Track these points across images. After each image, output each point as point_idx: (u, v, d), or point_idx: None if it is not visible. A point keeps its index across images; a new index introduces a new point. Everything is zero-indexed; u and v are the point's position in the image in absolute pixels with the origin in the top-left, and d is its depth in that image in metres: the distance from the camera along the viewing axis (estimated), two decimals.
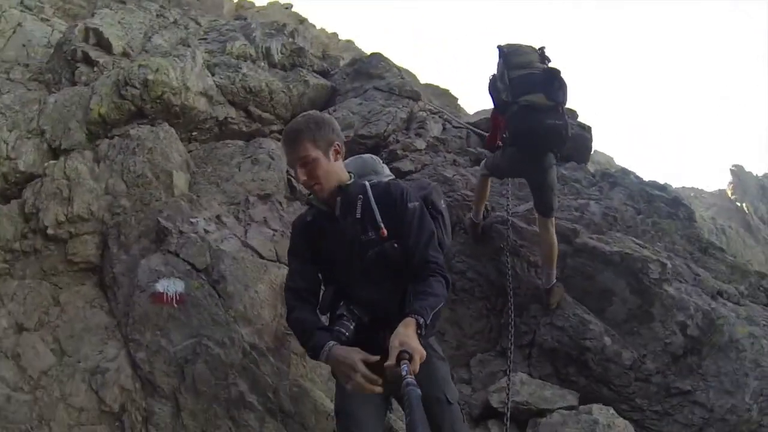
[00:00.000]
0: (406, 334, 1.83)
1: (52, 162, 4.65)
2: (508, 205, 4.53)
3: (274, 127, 6.15)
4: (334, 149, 2.26)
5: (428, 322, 1.93)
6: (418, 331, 1.88)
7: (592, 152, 6.62)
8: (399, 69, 7.27)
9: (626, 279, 4.06)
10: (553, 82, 3.83)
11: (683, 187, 26.96)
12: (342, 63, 8.11)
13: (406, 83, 6.72)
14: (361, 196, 2.27)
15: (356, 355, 1.94)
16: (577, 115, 6.17)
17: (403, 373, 1.68)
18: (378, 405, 2.27)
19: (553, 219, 4.10)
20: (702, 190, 29.79)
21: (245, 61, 6.52)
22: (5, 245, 4.19)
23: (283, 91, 6.25)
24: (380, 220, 2.20)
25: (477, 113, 7.24)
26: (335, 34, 14.20)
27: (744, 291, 4.54)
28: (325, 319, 2.32)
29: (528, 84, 3.87)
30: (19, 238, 4.26)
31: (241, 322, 3.41)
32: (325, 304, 2.35)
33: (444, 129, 6.23)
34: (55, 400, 3.36)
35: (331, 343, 2.02)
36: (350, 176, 2.35)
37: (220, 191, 4.55)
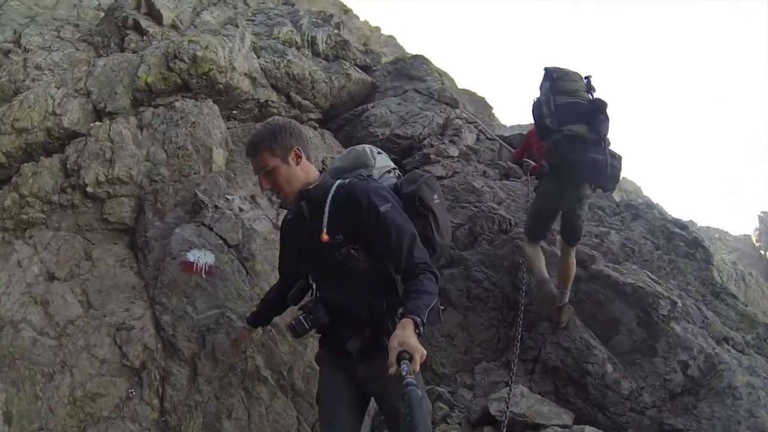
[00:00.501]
0: (405, 334, 1.89)
1: (97, 123, 4.90)
2: None
3: (312, 116, 6.44)
4: (294, 154, 2.33)
5: (425, 320, 2.00)
6: (416, 331, 1.94)
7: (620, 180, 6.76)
8: (440, 73, 7.50)
9: (635, 311, 4.23)
10: (598, 115, 3.92)
11: (708, 227, 26.76)
12: (383, 60, 8.36)
13: (446, 89, 6.96)
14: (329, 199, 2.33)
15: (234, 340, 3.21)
16: (610, 143, 6.33)
17: (404, 373, 1.73)
18: (351, 396, 2.48)
19: (576, 247, 4.25)
20: (727, 232, 29.42)
21: (290, 47, 6.78)
22: (44, 196, 4.47)
23: (325, 82, 6.53)
24: (326, 223, 2.25)
25: (511, 127, 7.45)
26: (378, 28, 14.44)
27: (750, 341, 4.68)
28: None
29: (573, 113, 3.96)
30: (58, 191, 4.54)
31: None
32: (293, 296, 2.63)
33: (477, 139, 6.46)
34: (80, 349, 3.60)
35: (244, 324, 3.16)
36: (320, 177, 2.42)
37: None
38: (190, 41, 5.48)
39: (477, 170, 5.75)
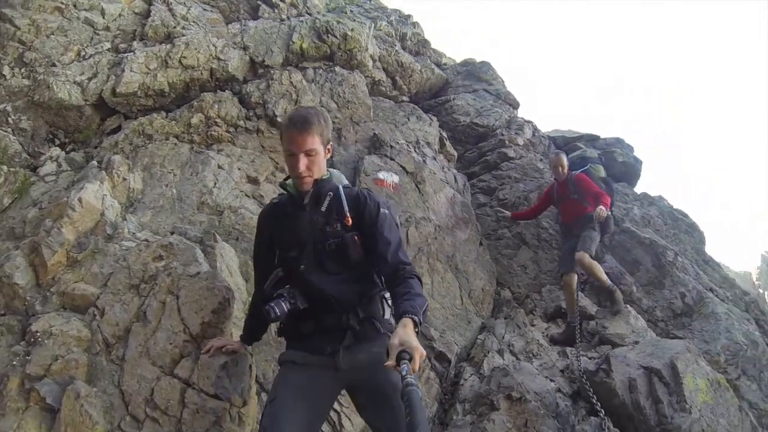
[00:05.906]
0: (406, 333, 2.06)
1: (277, 71, 6.73)
2: None
3: (404, 99, 8.77)
4: (328, 147, 2.65)
5: (422, 321, 2.22)
6: (416, 330, 2.12)
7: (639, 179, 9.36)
8: (502, 79, 10.08)
9: (650, 257, 6.96)
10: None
11: (711, 258, 28.78)
12: (443, 60, 10.79)
13: (510, 93, 9.59)
14: (331, 193, 2.64)
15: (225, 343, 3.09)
16: (633, 149, 9.07)
17: (404, 372, 1.89)
18: (311, 403, 2.48)
19: None
20: (728, 266, 31.81)
21: (390, 38, 9.10)
22: (230, 120, 5.95)
23: (419, 72, 8.92)
24: (347, 210, 2.56)
25: (554, 131, 10.02)
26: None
27: (729, 296, 7.31)
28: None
29: None
30: (243, 118, 6.06)
31: (430, 210, 6.04)
32: (271, 284, 2.71)
33: (533, 134, 9.02)
34: None
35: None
36: (328, 174, 2.72)
37: (399, 131, 7.14)
38: (338, 22, 7.60)
39: (536, 157, 8.33)
